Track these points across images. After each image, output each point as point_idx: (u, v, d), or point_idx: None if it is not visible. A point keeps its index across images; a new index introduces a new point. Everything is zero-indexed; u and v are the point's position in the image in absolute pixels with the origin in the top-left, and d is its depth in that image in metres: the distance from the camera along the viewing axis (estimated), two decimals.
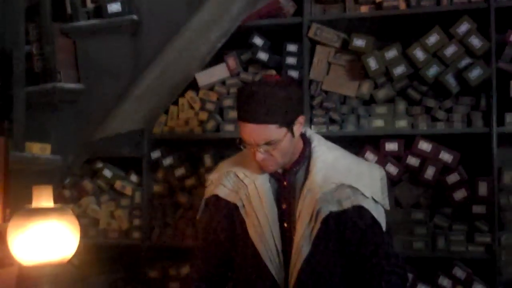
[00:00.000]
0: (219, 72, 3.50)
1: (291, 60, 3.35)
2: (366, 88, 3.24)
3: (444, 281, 3.04)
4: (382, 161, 3.12)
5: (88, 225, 3.59)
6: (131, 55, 3.17)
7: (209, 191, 2.17)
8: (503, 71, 3.02)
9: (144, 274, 3.50)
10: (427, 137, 3.12)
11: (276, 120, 1.89)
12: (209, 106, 3.47)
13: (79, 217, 2.06)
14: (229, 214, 2.11)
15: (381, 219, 1.99)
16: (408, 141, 3.15)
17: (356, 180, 1.98)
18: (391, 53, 3.16)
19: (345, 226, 1.97)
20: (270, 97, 1.88)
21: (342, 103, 3.30)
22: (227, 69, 3.48)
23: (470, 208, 3.03)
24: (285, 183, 2.06)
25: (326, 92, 3.31)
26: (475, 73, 3.00)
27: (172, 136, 3.52)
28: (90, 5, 3.40)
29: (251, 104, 1.89)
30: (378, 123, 3.21)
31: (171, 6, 3.16)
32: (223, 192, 2.11)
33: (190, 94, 3.52)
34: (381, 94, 3.22)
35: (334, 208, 1.96)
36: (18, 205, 2.01)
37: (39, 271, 1.88)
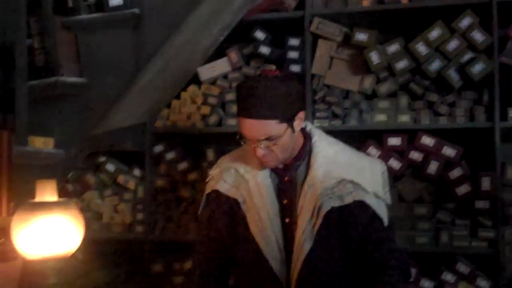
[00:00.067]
0: (221, 66, 3.50)
1: (293, 54, 3.35)
2: (368, 82, 3.24)
3: (447, 276, 3.05)
4: (385, 156, 3.12)
5: (91, 219, 3.59)
6: (133, 49, 3.15)
7: (209, 187, 2.16)
8: (506, 66, 3.02)
9: (148, 268, 3.50)
10: (430, 132, 3.12)
11: (276, 116, 1.88)
12: (211, 100, 3.47)
13: (82, 211, 2.05)
14: (230, 209, 2.10)
15: (383, 214, 1.98)
16: (410, 135, 3.15)
17: (357, 175, 1.97)
18: (394, 47, 3.16)
19: (347, 221, 1.96)
20: (271, 92, 1.87)
21: (345, 97, 3.30)
22: (229, 63, 3.48)
23: (473, 203, 3.04)
24: (286, 178, 2.05)
25: (328, 86, 3.31)
26: (477, 68, 3.00)
27: (175, 130, 3.52)
28: None
29: (251, 99, 1.88)
30: (381, 117, 3.20)
31: (173, 0, 3.15)
32: (224, 187, 2.10)
33: (192, 88, 3.52)
34: (384, 88, 3.22)
35: (336, 203, 1.95)
36: (22, 199, 2.01)
37: (43, 265, 1.88)
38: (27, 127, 2.78)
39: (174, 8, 3.09)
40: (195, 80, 3.51)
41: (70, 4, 3.29)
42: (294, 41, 3.36)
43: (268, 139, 1.91)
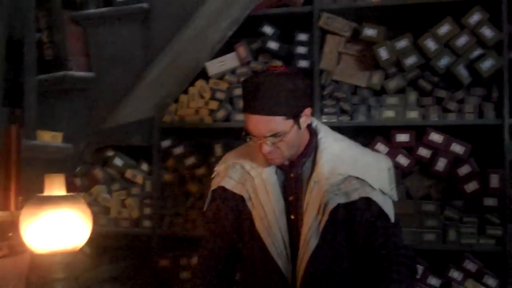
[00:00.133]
0: (229, 61, 3.49)
1: (301, 50, 3.34)
2: (377, 78, 3.23)
3: (454, 273, 3.03)
4: (393, 152, 3.11)
5: (98, 214, 3.60)
6: (142, 43, 3.16)
7: (215, 183, 2.16)
8: None
9: (155, 263, 3.51)
10: (438, 129, 3.10)
11: (283, 112, 1.88)
12: (219, 95, 3.47)
13: (90, 205, 2.05)
14: (235, 206, 2.10)
15: (389, 210, 1.97)
16: (419, 132, 3.14)
17: (363, 172, 1.97)
18: (402, 43, 3.14)
19: (353, 218, 1.96)
20: (277, 88, 1.86)
21: (353, 93, 3.29)
22: (237, 58, 3.47)
23: (481, 200, 3.02)
24: (291, 174, 2.05)
25: (336, 82, 3.30)
26: (487, 64, 2.99)
27: (183, 125, 3.52)
28: None
29: (257, 95, 1.87)
30: (389, 113, 3.19)
31: None
32: (230, 184, 2.10)
33: (200, 83, 3.51)
34: (392, 84, 3.21)
35: (342, 200, 1.94)
36: (30, 193, 2.01)
37: (51, 259, 1.88)
38: (36, 121, 2.79)
39: (183, 3, 3.10)
40: (203, 75, 3.51)
41: None
42: (302, 36, 3.35)
43: (274, 135, 1.90)
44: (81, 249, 2.00)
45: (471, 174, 3.04)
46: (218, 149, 3.50)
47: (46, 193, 1.94)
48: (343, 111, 3.25)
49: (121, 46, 3.17)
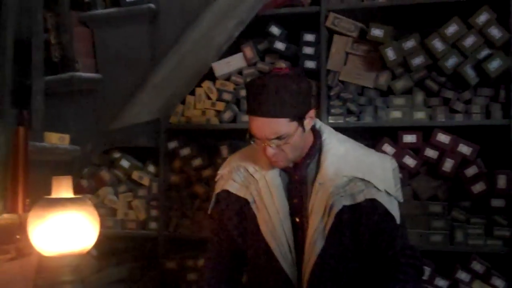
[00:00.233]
0: (236, 61, 3.49)
1: (308, 50, 3.33)
2: (384, 78, 3.22)
3: (462, 275, 3.02)
4: (400, 153, 3.11)
5: (105, 216, 3.60)
6: (149, 44, 3.15)
7: (219, 186, 2.15)
8: None
9: (162, 265, 3.51)
10: (446, 129, 3.09)
11: (287, 114, 1.87)
12: (226, 96, 3.47)
13: (96, 207, 2.06)
14: (240, 209, 2.10)
15: (395, 211, 1.97)
16: (426, 133, 3.13)
17: (368, 173, 1.96)
18: (410, 43, 3.13)
19: (359, 220, 1.96)
20: (281, 91, 1.85)
21: (360, 94, 3.28)
22: (244, 59, 3.47)
23: (488, 201, 3.01)
24: (296, 177, 2.04)
25: (343, 82, 3.29)
26: (494, 64, 2.97)
27: (189, 126, 3.52)
28: None
29: (261, 97, 1.86)
30: (396, 114, 3.18)
31: None
32: (234, 187, 2.10)
33: (207, 84, 3.51)
34: (399, 85, 3.20)
35: (347, 201, 1.94)
36: (38, 195, 2.02)
37: (59, 261, 1.89)
38: (43, 123, 2.79)
39: (190, 3, 3.08)
40: (210, 75, 3.51)
41: None
42: (309, 37, 3.34)
43: (279, 138, 1.89)
44: (88, 251, 2.00)
45: (478, 175, 3.03)
46: (224, 150, 3.50)
47: (54, 195, 1.95)
48: (350, 112, 3.24)
49: (128, 47, 3.17)
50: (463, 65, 3.03)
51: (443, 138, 3.08)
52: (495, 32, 3.01)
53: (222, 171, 2.17)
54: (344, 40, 3.30)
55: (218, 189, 2.16)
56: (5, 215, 2.12)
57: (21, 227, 2.01)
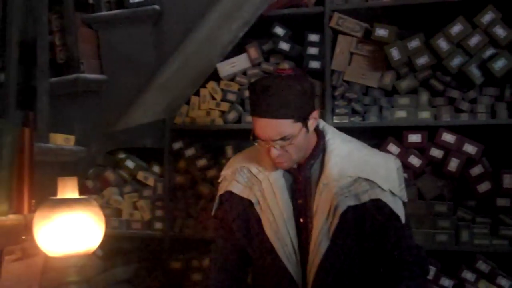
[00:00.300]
0: (241, 62, 3.49)
1: (312, 50, 3.33)
2: (388, 78, 3.22)
3: (467, 274, 3.02)
4: (404, 153, 3.10)
5: (110, 216, 3.61)
6: (153, 45, 3.15)
7: (223, 188, 2.15)
8: None
9: (167, 265, 3.52)
10: (451, 129, 3.09)
11: (291, 115, 1.87)
12: (231, 96, 3.47)
13: (101, 207, 2.06)
14: (243, 210, 2.09)
15: (400, 211, 1.96)
16: (431, 132, 3.13)
17: (372, 173, 1.96)
18: (414, 43, 3.13)
19: (364, 220, 1.95)
20: (285, 91, 1.85)
21: (364, 93, 3.28)
22: (249, 59, 3.48)
23: (494, 200, 3.00)
24: (300, 177, 2.04)
25: (348, 82, 3.29)
26: (499, 64, 2.97)
27: (194, 127, 3.53)
28: None
29: (265, 98, 1.86)
30: (401, 114, 3.18)
31: None
32: (237, 188, 2.09)
33: (211, 84, 3.52)
34: (404, 84, 3.20)
35: (352, 202, 1.94)
36: (43, 196, 2.02)
37: (65, 262, 1.89)
38: (48, 124, 2.80)
39: (194, 4, 3.09)
40: (214, 76, 3.51)
41: (91, 1, 3.30)
42: (313, 37, 3.35)
43: (283, 139, 1.89)
44: (94, 252, 2.01)
45: (483, 175, 3.02)
46: (229, 150, 3.51)
47: (59, 196, 1.96)
48: (354, 112, 3.24)
49: (133, 48, 3.17)
50: (468, 65, 3.02)
51: (448, 137, 3.08)
52: (500, 32, 3.00)
53: (225, 172, 2.17)
54: (348, 40, 3.30)
55: (221, 190, 2.15)
56: (11, 216, 2.12)
57: (27, 228, 2.01)
